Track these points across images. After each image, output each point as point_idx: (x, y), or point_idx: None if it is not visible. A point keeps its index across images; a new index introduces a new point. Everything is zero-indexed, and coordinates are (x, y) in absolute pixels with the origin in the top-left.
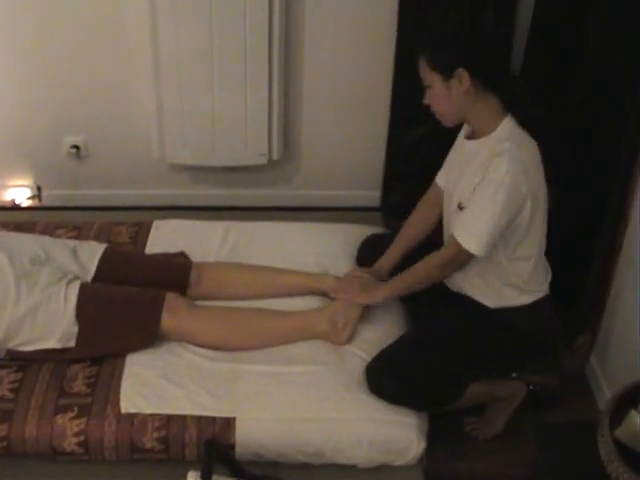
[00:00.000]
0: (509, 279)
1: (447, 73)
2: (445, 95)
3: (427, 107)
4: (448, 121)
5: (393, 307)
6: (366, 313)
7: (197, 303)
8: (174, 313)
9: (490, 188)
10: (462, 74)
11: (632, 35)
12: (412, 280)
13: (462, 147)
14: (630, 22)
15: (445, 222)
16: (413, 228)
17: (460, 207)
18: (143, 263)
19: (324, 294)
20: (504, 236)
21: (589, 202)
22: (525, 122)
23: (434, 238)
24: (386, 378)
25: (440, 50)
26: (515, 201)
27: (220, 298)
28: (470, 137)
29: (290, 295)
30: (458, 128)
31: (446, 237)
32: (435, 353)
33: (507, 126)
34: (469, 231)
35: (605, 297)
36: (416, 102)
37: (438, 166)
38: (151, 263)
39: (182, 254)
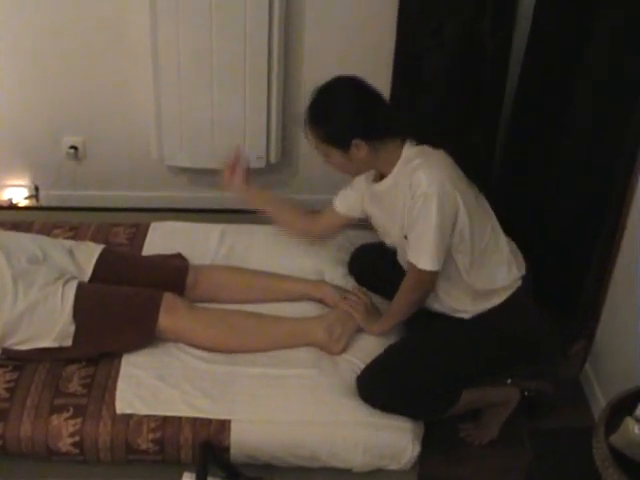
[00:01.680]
0: (474, 286)
1: (344, 146)
2: (345, 163)
3: (425, 115)
4: (352, 175)
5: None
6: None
7: (195, 304)
8: (171, 312)
9: (420, 204)
10: (359, 143)
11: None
12: (400, 309)
13: (374, 192)
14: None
15: (398, 252)
16: (291, 215)
17: (406, 237)
18: (140, 265)
19: (320, 301)
20: (453, 245)
21: (586, 209)
22: (422, 138)
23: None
24: (377, 389)
25: (333, 127)
26: (449, 205)
27: (216, 301)
28: (379, 178)
29: (286, 300)
30: (459, 135)
31: (403, 264)
32: (425, 362)
33: (409, 150)
34: (419, 251)
35: (601, 305)
36: (414, 108)
37: None
38: (148, 265)
39: (179, 256)
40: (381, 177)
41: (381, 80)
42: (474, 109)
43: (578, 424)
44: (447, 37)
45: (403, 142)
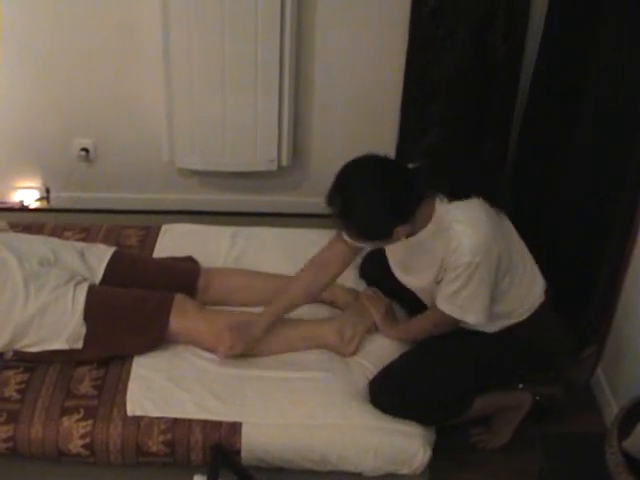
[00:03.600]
0: (500, 311)
1: (384, 239)
2: (384, 245)
3: (437, 119)
4: None
5: (400, 320)
6: (373, 329)
7: (206, 307)
8: (183, 314)
9: (460, 272)
10: (399, 230)
11: None
12: (418, 333)
13: (402, 244)
14: None
15: (418, 290)
16: (301, 290)
17: (437, 281)
18: (151, 268)
19: (331, 303)
20: None
21: (598, 214)
22: (452, 193)
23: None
24: (390, 395)
25: (363, 224)
26: (492, 268)
27: (227, 304)
28: (410, 235)
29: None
30: (470, 139)
31: (425, 300)
32: (439, 369)
33: (441, 208)
34: (461, 307)
35: (612, 309)
36: (426, 113)
37: None
38: (159, 268)
39: (190, 259)
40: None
41: (393, 86)
42: (485, 113)
43: (589, 429)
44: (459, 41)
45: (433, 196)
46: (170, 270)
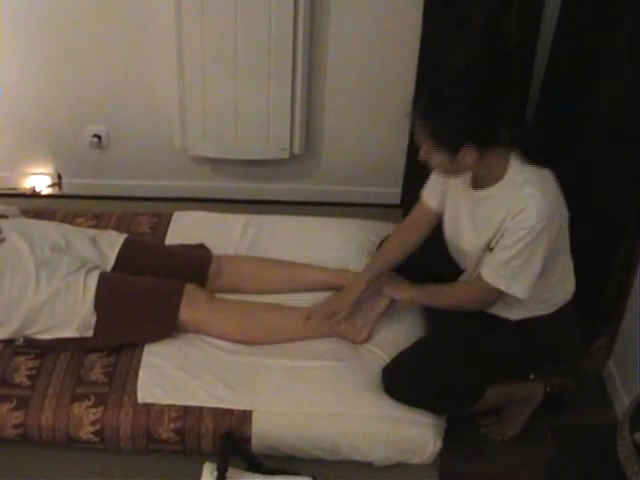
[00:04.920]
0: (531, 298)
1: (453, 151)
2: (449, 166)
3: None
4: (446, 177)
5: (413, 308)
6: (385, 314)
7: (217, 296)
8: (193, 304)
9: (521, 235)
10: (469, 150)
11: None
12: (443, 303)
13: (468, 195)
14: None
15: (462, 259)
16: (393, 251)
17: (490, 247)
18: (163, 254)
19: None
20: None
21: (612, 208)
22: (529, 154)
23: (434, 268)
24: (403, 382)
25: (445, 128)
26: (548, 244)
27: (239, 291)
28: (474, 185)
29: (309, 290)
30: None
31: (466, 268)
32: (453, 357)
33: (515, 168)
34: (509, 277)
35: (624, 301)
36: None
37: None
38: (171, 255)
39: (202, 246)
40: (475, 182)
41: (406, 73)
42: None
43: (600, 421)
44: (473, 31)
45: (508, 152)
46: (182, 257)
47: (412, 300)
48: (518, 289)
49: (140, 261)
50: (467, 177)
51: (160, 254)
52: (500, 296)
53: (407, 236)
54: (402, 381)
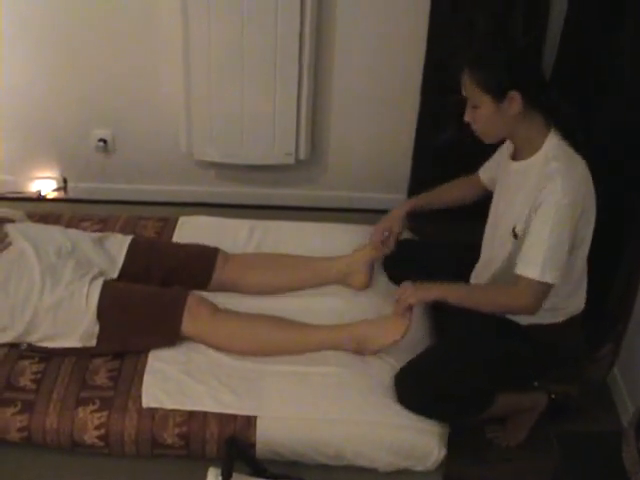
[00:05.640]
0: (545, 303)
1: (499, 95)
2: (493, 116)
3: (455, 114)
4: (490, 140)
5: (421, 316)
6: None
7: (220, 311)
8: (196, 319)
9: (551, 213)
10: (515, 96)
11: None
12: (473, 302)
13: (507, 168)
14: None
15: (489, 242)
16: (444, 194)
17: (515, 232)
18: (171, 246)
19: (350, 283)
20: None
21: (615, 214)
22: (568, 135)
23: (466, 258)
24: (416, 390)
25: (493, 72)
26: (574, 220)
27: (242, 283)
28: (514, 157)
29: (315, 283)
30: None
31: (486, 255)
32: (463, 365)
33: (552, 143)
34: (542, 262)
35: (629, 308)
36: (444, 107)
37: (465, 171)
38: (179, 246)
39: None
40: (515, 155)
41: (412, 79)
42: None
43: (605, 428)
44: (478, 34)
45: (548, 127)
46: (190, 249)
47: (445, 298)
48: (552, 274)
49: (148, 254)
50: (509, 149)
51: (168, 246)
52: (542, 286)
53: (464, 188)
54: (415, 389)
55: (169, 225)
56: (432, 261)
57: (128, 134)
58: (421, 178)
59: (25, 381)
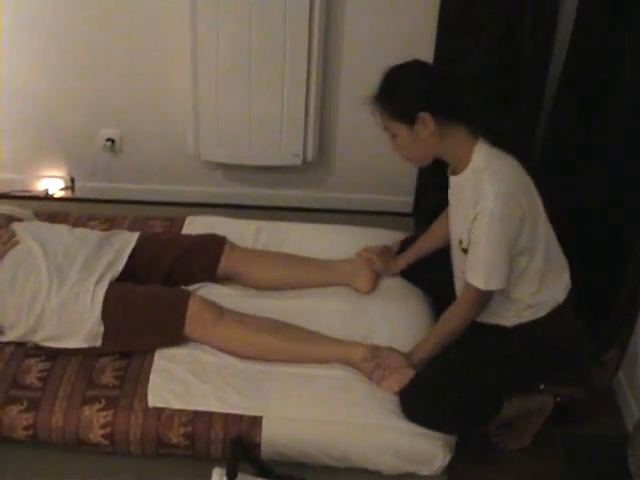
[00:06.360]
0: (514, 304)
1: (410, 120)
2: (412, 141)
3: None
4: (421, 163)
5: (422, 328)
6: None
7: (223, 315)
8: (198, 326)
9: (484, 223)
10: (424, 117)
11: None
12: (440, 337)
13: (450, 183)
14: None
15: (454, 261)
16: (433, 237)
17: (461, 245)
18: (179, 235)
19: (352, 282)
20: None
21: (622, 216)
22: (497, 140)
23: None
24: (422, 406)
25: (399, 100)
26: (511, 227)
27: (250, 276)
28: (452, 172)
29: (320, 277)
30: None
31: (456, 277)
32: (469, 375)
33: (480, 153)
34: (481, 271)
35: (635, 312)
36: None
37: None
38: (187, 235)
39: None
40: (453, 170)
41: None
42: (513, 110)
43: (610, 432)
44: (487, 37)
45: (475, 138)
46: (198, 235)
47: (430, 354)
48: (495, 281)
49: (156, 245)
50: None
51: (175, 236)
52: (486, 296)
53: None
54: (421, 405)
55: (176, 225)
56: (443, 257)
57: (136, 134)
58: (427, 180)
59: (31, 379)
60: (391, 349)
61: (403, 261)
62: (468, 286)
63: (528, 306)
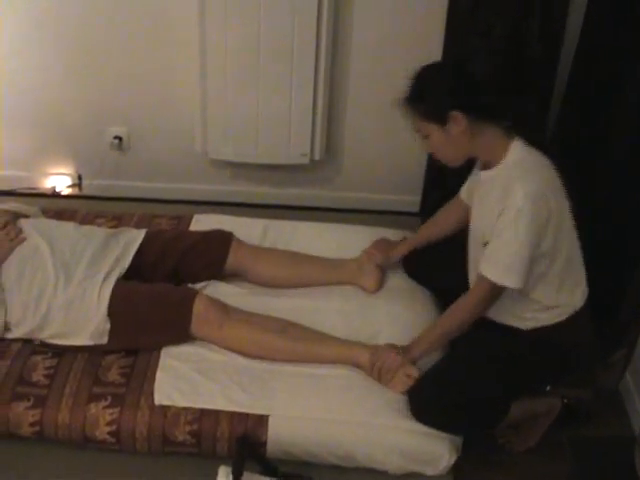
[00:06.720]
0: (532, 306)
1: (442, 119)
2: (445, 141)
3: None
4: (455, 163)
5: (429, 322)
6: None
7: (229, 315)
8: (204, 325)
9: (510, 218)
10: (456, 116)
11: None
12: (446, 329)
13: (479, 178)
14: None
15: (471, 256)
16: (435, 227)
17: (484, 239)
18: (187, 231)
19: (357, 280)
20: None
21: (632, 217)
22: (534, 141)
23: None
24: (431, 405)
25: (431, 101)
26: (536, 227)
27: (256, 273)
28: (484, 167)
29: (325, 282)
30: None
31: (472, 271)
32: (477, 375)
33: (516, 150)
34: (499, 265)
35: None
36: None
37: None
38: (193, 231)
39: None
40: (485, 166)
41: None
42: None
43: (617, 433)
44: (495, 38)
45: (510, 136)
46: (206, 233)
47: (426, 351)
48: (512, 278)
49: (163, 241)
50: (480, 162)
51: (183, 232)
52: (498, 291)
53: (448, 216)
54: (429, 404)
55: (183, 223)
56: (449, 257)
57: (143, 132)
58: (435, 180)
59: (38, 376)
60: (390, 348)
61: (404, 247)
62: (481, 279)
63: (546, 308)
